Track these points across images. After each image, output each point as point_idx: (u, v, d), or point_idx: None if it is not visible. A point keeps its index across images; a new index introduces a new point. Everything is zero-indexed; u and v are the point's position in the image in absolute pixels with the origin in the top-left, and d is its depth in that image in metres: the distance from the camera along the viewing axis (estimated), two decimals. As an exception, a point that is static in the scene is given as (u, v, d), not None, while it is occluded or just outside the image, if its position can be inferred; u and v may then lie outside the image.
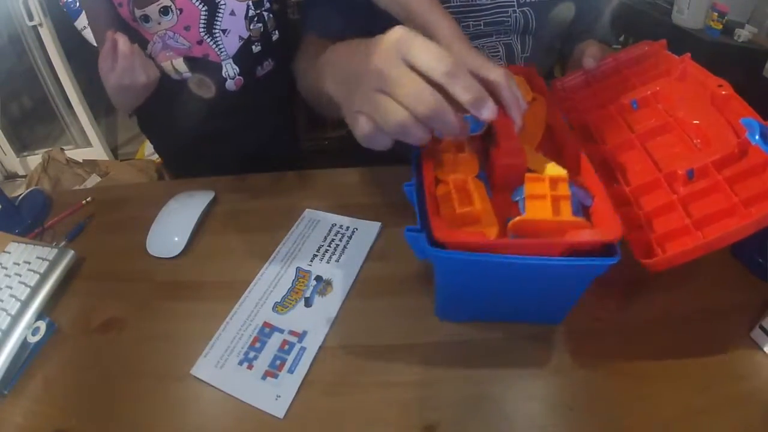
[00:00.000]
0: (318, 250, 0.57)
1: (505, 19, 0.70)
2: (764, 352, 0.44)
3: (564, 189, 0.39)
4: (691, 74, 0.49)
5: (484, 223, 0.39)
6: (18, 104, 2.15)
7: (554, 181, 0.39)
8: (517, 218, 0.37)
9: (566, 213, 0.38)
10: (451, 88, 0.35)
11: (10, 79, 2.01)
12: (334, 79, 0.44)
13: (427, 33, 0.45)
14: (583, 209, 0.40)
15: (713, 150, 0.42)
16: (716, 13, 1.30)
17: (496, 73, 0.40)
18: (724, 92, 0.44)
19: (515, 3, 0.70)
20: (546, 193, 0.38)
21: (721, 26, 1.30)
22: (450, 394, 0.42)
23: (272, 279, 0.54)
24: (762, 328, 0.44)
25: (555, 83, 0.61)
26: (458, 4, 0.69)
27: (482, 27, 0.70)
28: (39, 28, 1.80)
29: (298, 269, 0.55)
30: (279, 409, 0.42)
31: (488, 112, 0.37)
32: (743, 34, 1.26)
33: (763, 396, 0.41)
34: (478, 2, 0.69)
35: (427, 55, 0.35)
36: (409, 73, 0.35)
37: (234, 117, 0.76)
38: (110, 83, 0.60)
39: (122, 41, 0.57)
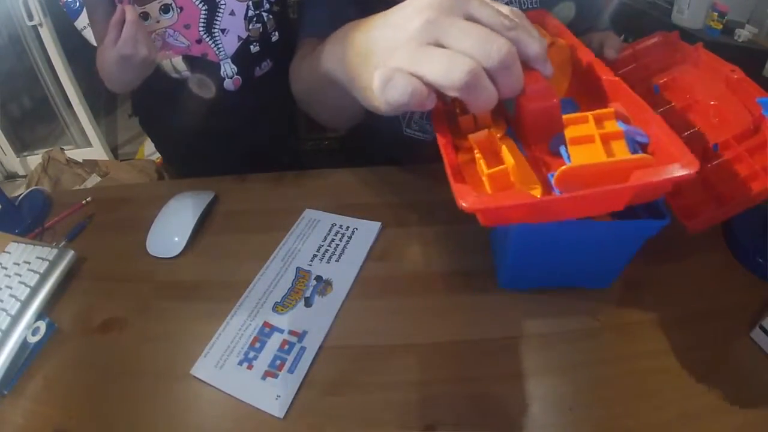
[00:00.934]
0: (318, 250, 0.57)
1: None
2: (764, 352, 0.44)
3: (613, 126, 0.31)
4: (705, 61, 0.55)
5: (523, 183, 0.32)
6: (18, 104, 2.15)
7: (599, 119, 0.32)
8: (563, 168, 0.30)
9: (620, 150, 0.30)
10: (521, 42, 0.31)
11: (10, 79, 2.01)
12: (345, 50, 0.38)
13: None
14: (640, 148, 0.33)
15: (731, 127, 0.47)
16: (716, 13, 1.30)
17: (506, 10, 0.34)
18: (736, 76, 0.50)
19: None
20: (593, 133, 0.31)
21: (721, 26, 1.30)
22: (450, 394, 0.42)
23: (272, 279, 0.54)
24: (762, 328, 0.44)
25: None
26: None
27: None
28: (39, 28, 1.80)
29: (298, 269, 0.55)
30: (279, 409, 0.42)
31: (551, 66, 0.33)
32: (743, 34, 1.26)
33: (763, 396, 0.41)
34: None
35: (489, 9, 0.31)
36: (475, 24, 0.30)
37: (233, 117, 0.76)
38: (111, 56, 0.58)
39: (129, 9, 0.56)
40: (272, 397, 0.43)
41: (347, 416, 0.41)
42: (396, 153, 0.76)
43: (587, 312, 0.48)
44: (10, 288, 0.51)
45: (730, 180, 0.45)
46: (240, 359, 0.46)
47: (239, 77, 0.71)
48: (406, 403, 0.42)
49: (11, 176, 2.16)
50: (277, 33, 0.72)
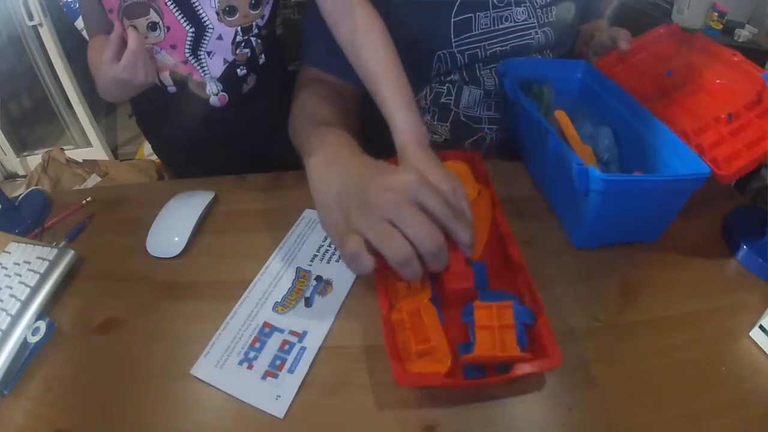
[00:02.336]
0: (318, 250, 0.57)
1: (529, 41, 0.72)
2: (764, 352, 0.44)
3: (508, 317, 0.43)
4: (707, 47, 0.65)
5: (438, 355, 0.42)
6: (18, 104, 2.16)
7: (500, 309, 0.43)
8: (469, 356, 0.41)
9: (510, 343, 0.42)
10: (455, 231, 0.43)
11: (10, 79, 2.01)
12: (326, 187, 0.47)
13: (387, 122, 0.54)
14: (527, 328, 0.44)
15: (738, 99, 0.56)
16: (716, 13, 1.30)
17: (448, 189, 0.45)
18: (736, 59, 0.60)
19: (536, 24, 0.71)
20: (493, 324, 0.42)
21: (721, 26, 1.30)
22: (450, 394, 0.42)
23: (272, 279, 0.54)
24: (762, 328, 0.44)
25: (597, 62, 0.72)
26: (481, 30, 0.70)
27: (508, 50, 0.72)
28: (39, 28, 1.80)
29: (298, 269, 0.55)
30: (279, 409, 0.42)
31: (473, 249, 0.46)
32: (743, 34, 1.26)
33: (763, 396, 0.41)
34: (501, 27, 0.70)
35: (437, 202, 0.42)
36: (421, 215, 0.41)
37: (225, 127, 0.75)
38: (107, 74, 0.58)
39: (133, 36, 0.56)
40: (272, 397, 0.43)
41: (347, 416, 0.41)
42: (396, 150, 0.77)
43: (587, 312, 0.48)
44: (10, 288, 0.51)
45: (745, 142, 0.53)
46: (240, 359, 0.46)
47: (225, 94, 0.70)
48: (406, 403, 0.42)
49: (11, 176, 2.16)
50: (263, 56, 0.72)
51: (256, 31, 0.68)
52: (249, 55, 0.69)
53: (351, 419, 0.41)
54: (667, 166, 0.53)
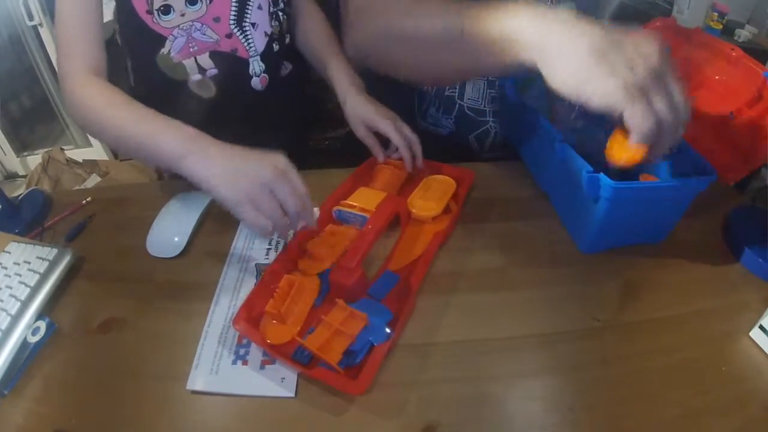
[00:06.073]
0: (270, 243, 0.58)
1: None
2: (764, 352, 0.44)
3: (353, 327, 0.44)
4: (705, 42, 0.64)
5: (288, 324, 0.46)
6: (18, 104, 2.15)
7: (353, 317, 0.45)
8: (301, 340, 0.44)
9: (336, 349, 0.43)
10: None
11: (10, 79, 2.00)
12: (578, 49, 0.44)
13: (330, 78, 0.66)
14: (370, 347, 0.44)
15: (738, 96, 0.57)
16: (716, 13, 1.30)
17: (383, 124, 0.60)
18: (735, 54, 0.60)
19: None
20: (334, 326, 0.44)
21: (721, 26, 1.30)
22: (450, 394, 0.42)
23: (235, 281, 0.54)
24: (762, 328, 0.44)
25: None
26: None
27: None
28: (39, 28, 1.79)
29: (257, 265, 0.55)
30: (288, 389, 0.42)
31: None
32: (743, 34, 1.26)
33: (763, 396, 0.41)
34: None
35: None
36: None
37: (257, 119, 0.73)
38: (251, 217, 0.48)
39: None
40: (277, 380, 0.43)
41: (346, 417, 0.41)
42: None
43: (587, 312, 0.48)
44: (10, 288, 0.51)
45: (751, 138, 0.54)
46: (233, 359, 0.46)
47: (266, 75, 0.68)
48: (405, 403, 0.42)
49: (11, 176, 2.16)
50: (288, 35, 0.71)
51: (282, 5, 0.67)
52: (279, 29, 0.68)
53: (351, 419, 0.41)
54: (673, 165, 0.53)
